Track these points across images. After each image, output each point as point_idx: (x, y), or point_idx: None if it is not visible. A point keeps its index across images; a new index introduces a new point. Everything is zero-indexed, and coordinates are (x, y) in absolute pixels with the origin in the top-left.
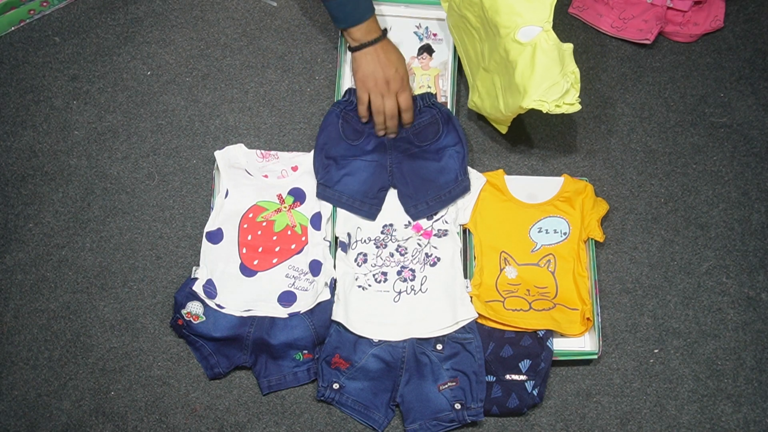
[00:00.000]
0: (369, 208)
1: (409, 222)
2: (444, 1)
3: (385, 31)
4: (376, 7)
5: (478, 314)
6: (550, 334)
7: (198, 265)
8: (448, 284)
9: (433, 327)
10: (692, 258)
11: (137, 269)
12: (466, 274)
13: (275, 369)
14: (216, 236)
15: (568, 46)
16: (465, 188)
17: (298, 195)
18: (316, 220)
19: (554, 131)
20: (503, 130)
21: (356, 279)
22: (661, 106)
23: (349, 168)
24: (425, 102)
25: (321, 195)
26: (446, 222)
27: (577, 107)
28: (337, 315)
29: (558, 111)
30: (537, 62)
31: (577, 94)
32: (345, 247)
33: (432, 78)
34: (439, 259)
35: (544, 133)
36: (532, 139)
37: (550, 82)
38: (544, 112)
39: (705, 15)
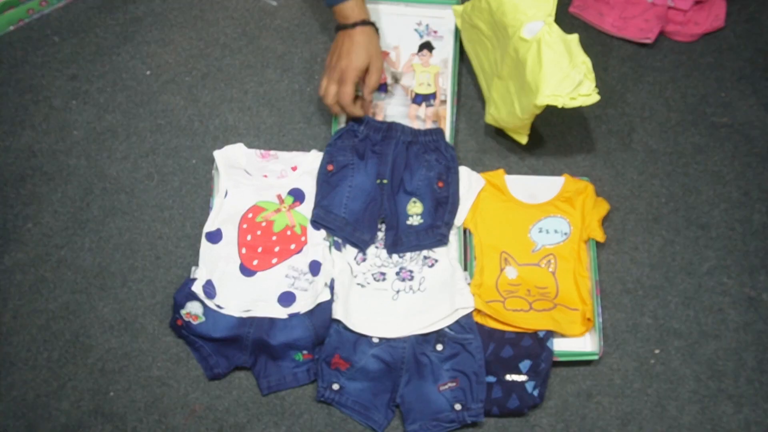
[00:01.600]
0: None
1: None
2: (457, 17)
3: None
4: (377, 5)
5: (478, 311)
6: (550, 334)
7: (197, 266)
8: (446, 283)
9: (432, 319)
10: (693, 258)
11: (137, 269)
12: None
13: (275, 369)
14: (215, 236)
15: (573, 37)
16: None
17: (297, 195)
18: None
19: (554, 131)
20: (523, 140)
21: (355, 276)
22: (661, 105)
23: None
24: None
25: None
26: None
27: (596, 98)
28: (337, 313)
29: (574, 104)
30: (543, 57)
31: (593, 85)
32: (338, 246)
33: (432, 75)
34: (437, 261)
35: (544, 133)
36: (532, 139)
37: (561, 75)
38: (560, 107)
39: (706, 14)
